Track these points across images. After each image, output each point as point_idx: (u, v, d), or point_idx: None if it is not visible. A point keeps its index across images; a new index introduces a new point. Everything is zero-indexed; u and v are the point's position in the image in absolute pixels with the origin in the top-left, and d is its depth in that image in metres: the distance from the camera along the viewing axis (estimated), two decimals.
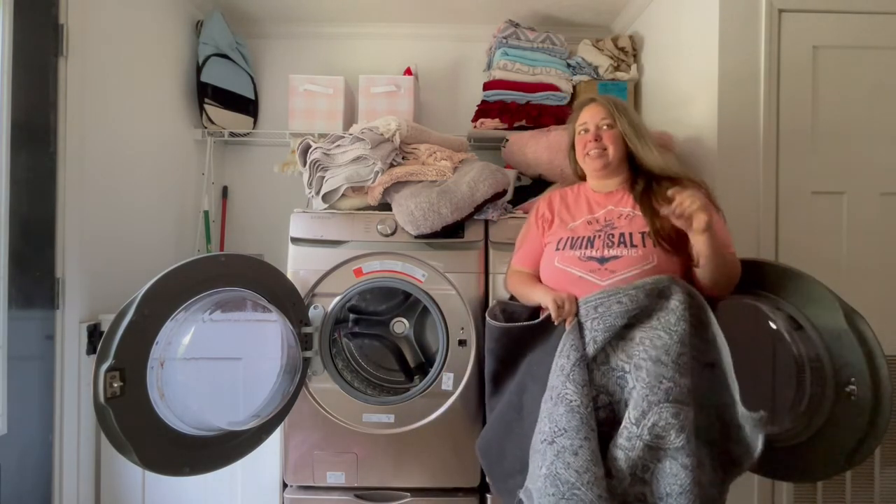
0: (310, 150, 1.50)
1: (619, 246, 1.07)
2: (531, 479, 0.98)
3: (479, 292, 1.47)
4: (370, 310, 1.67)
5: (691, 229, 0.98)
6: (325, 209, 1.51)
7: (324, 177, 1.48)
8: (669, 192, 0.99)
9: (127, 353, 0.97)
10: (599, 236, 1.11)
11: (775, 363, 1.25)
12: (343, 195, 1.50)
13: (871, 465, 1.41)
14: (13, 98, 1.23)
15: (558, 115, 1.94)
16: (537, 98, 1.96)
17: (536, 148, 1.68)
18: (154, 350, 1.02)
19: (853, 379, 1.01)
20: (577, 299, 1.06)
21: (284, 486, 1.47)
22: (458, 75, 2.25)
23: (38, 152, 1.31)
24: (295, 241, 1.48)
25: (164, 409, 1.04)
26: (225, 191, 2.21)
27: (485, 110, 1.97)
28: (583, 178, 1.30)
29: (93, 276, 1.44)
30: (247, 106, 2.12)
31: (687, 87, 1.63)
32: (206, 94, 1.98)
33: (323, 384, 1.45)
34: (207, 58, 1.97)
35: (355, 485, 1.45)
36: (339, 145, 1.48)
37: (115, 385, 0.95)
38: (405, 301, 1.64)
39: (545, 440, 0.95)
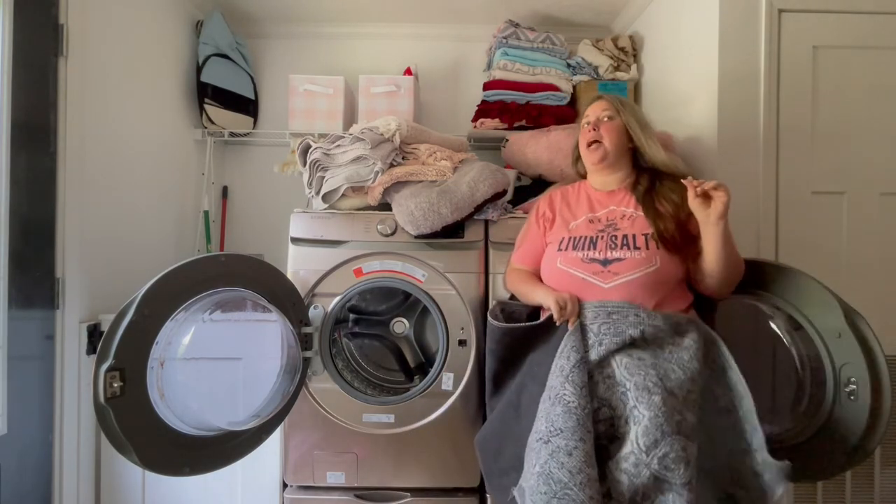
0: (310, 150, 1.50)
1: (622, 248, 1.07)
2: (524, 478, 0.98)
3: (479, 292, 1.47)
4: (370, 310, 1.67)
5: (707, 217, 0.98)
6: (325, 209, 1.51)
7: (324, 177, 1.48)
8: (686, 181, 1.00)
9: (127, 353, 0.97)
10: (602, 237, 1.10)
11: (775, 363, 1.25)
12: (343, 195, 1.50)
13: (871, 465, 1.41)
14: (13, 98, 1.23)
15: (558, 115, 1.94)
16: (537, 98, 1.96)
17: (536, 148, 1.68)
18: (154, 350, 1.02)
19: (853, 379, 1.01)
20: (579, 300, 1.06)
21: (284, 486, 1.47)
22: (458, 75, 2.25)
23: (38, 152, 1.31)
24: (295, 241, 1.48)
25: (164, 409, 1.04)
26: (225, 191, 2.21)
27: (485, 110, 1.97)
28: (584, 177, 1.29)
29: (93, 276, 1.44)
30: (247, 106, 2.12)
31: (687, 87, 1.63)
32: (206, 94, 1.98)
33: (323, 384, 1.45)
34: (207, 58, 1.97)
35: (355, 485, 1.45)
36: (339, 145, 1.49)
37: (115, 385, 0.95)
38: (405, 301, 1.64)
39: (540, 439, 0.95)
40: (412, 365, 1.64)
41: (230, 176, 2.23)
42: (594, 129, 1.18)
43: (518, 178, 1.84)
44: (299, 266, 1.47)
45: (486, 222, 1.51)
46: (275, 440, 1.38)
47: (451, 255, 1.47)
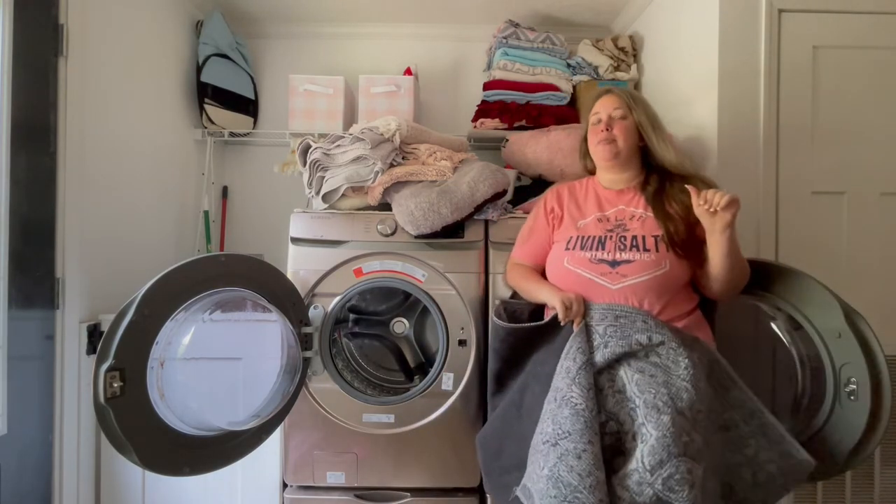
0: (310, 150, 1.50)
1: (631, 249, 1.06)
2: (530, 479, 0.97)
3: (479, 292, 1.47)
4: (370, 310, 1.67)
5: (713, 226, 0.97)
6: (325, 209, 1.51)
7: (324, 177, 1.48)
8: (694, 198, 0.98)
9: (127, 353, 0.97)
10: (611, 237, 1.09)
11: (775, 363, 1.26)
12: (343, 195, 1.50)
13: (871, 465, 1.41)
14: (13, 98, 1.23)
15: (558, 115, 1.94)
16: (537, 98, 1.96)
17: (536, 148, 1.68)
18: (154, 350, 1.02)
19: (853, 379, 1.01)
20: (584, 301, 1.05)
21: (284, 486, 1.47)
22: (458, 75, 2.25)
23: (38, 152, 1.30)
24: (295, 241, 1.48)
25: (164, 409, 1.04)
26: (225, 191, 2.21)
27: (485, 110, 1.97)
28: (592, 172, 1.27)
29: (93, 276, 1.44)
30: (247, 106, 2.12)
31: (687, 87, 1.63)
32: (206, 94, 1.98)
33: (323, 384, 1.45)
34: (207, 58, 1.97)
35: (355, 485, 1.45)
36: (339, 145, 1.49)
37: (115, 385, 0.94)
38: (405, 301, 1.64)
39: (548, 441, 0.94)
40: (412, 365, 1.64)
41: (230, 176, 2.23)
42: (607, 129, 1.15)
43: (518, 178, 1.84)
44: (299, 266, 1.47)
45: (486, 222, 1.51)
46: (275, 440, 1.38)
47: (451, 255, 1.47)
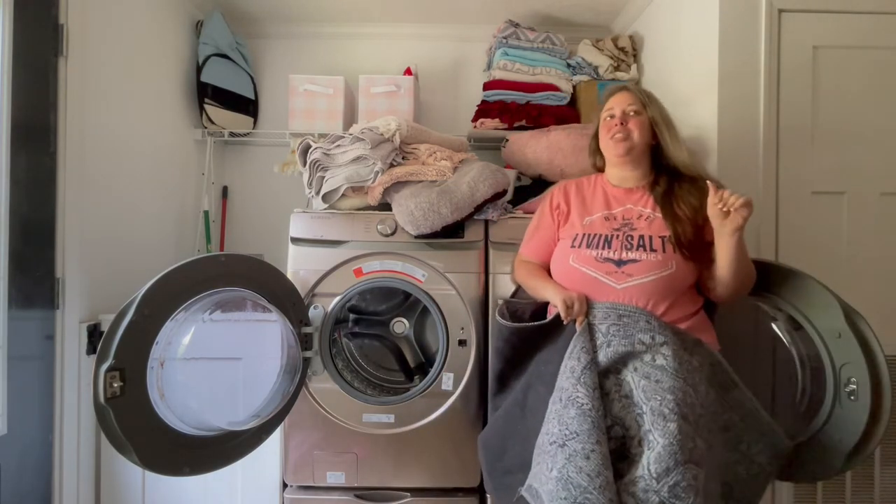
0: (310, 150, 1.50)
1: (637, 249, 1.05)
2: (538, 480, 0.97)
3: (479, 292, 1.47)
4: (370, 310, 1.67)
5: (723, 228, 0.97)
6: (325, 209, 1.51)
7: (324, 177, 1.48)
8: (709, 183, 0.98)
9: (127, 353, 0.97)
10: (617, 236, 1.08)
11: (775, 363, 1.26)
12: (343, 195, 1.50)
13: (871, 465, 1.41)
14: (13, 98, 1.23)
15: (558, 115, 1.94)
16: (537, 98, 1.96)
17: (536, 148, 1.68)
18: (154, 350, 1.02)
19: (853, 379, 1.01)
20: (588, 300, 1.05)
21: (284, 486, 1.48)
22: (458, 75, 2.25)
23: (38, 152, 1.30)
24: (295, 241, 1.48)
25: (164, 409, 1.04)
26: (225, 191, 2.21)
27: (485, 110, 1.97)
28: (601, 170, 1.26)
29: (93, 276, 1.44)
30: (247, 106, 2.12)
31: (687, 87, 1.63)
32: (206, 94, 1.98)
33: (323, 384, 1.45)
34: (207, 58, 1.97)
35: (355, 485, 1.45)
36: (339, 145, 1.49)
37: (115, 385, 0.95)
38: (405, 301, 1.64)
39: (555, 442, 0.94)
40: (412, 365, 1.64)
41: (230, 176, 2.23)
42: (622, 124, 1.14)
43: (518, 178, 1.84)
44: (299, 266, 1.47)
45: (486, 222, 1.51)
46: (275, 440, 1.38)
47: (451, 255, 1.47)
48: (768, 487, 1.41)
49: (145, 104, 1.74)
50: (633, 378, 0.96)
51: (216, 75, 2.00)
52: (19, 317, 1.26)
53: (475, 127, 1.97)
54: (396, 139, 1.48)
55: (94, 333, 1.41)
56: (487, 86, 2.00)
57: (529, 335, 1.12)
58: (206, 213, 2.03)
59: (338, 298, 1.46)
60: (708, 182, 1.01)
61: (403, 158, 1.53)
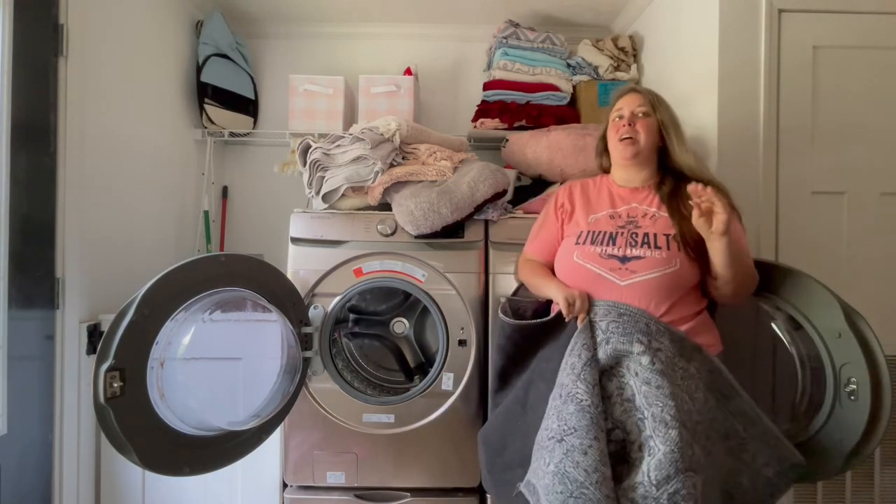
0: (310, 150, 1.50)
1: (642, 246, 1.05)
2: (535, 475, 0.98)
3: (479, 292, 1.47)
4: (370, 310, 1.67)
5: (708, 232, 0.97)
6: (325, 209, 1.51)
7: (324, 177, 1.48)
8: (689, 187, 0.97)
9: (127, 353, 0.97)
10: (622, 233, 1.08)
11: (775, 363, 1.26)
12: (343, 195, 1.50)
13: (871, 465, 1.41)
14: (13, 98, 1.23)
15: (558, 115, 1.94)
16: (537, 98, 1.96)
17: (536, 148, 1.68)
18: (154, 350, 1.03)
19: (853, 379, 1.01)
20: (589, 297, 1.05)
21: (284, 486, 1.48)
22: (458, 75, 2.25)
23: (38, 152, 1.30)
24: (295, 241, 1.48)
25: (164, 409, 1.04)
26: (225, 191, 2.21)
27: (485, 110, 1.97)
28: (607, 171, 1.27)
29: (93, 276, 1.44)
30: (247, 106, 2.12)
31: (687, 87, 1.63)
32: (206, 94, 1.98)
33: (323, 384, 1.45)
34: (207, 58, 1.97)
35: (355, 485, 1.45)
36: (339, 145, 1.49)
37: (115, 385, 0.95)
38: (405, 301, 1.64)
39: (553, 437, 0.94)
40: (412, 365, 1.64)
41: (230, 176, 2.23)
42: (630, 125, 1.14)
43: (518, 178, 1.84)
44: (299, 266, 1.47)
45: (486, 222, 1.51)
46: (275, 440, 1.38)
47: (451, 255, 1.47)
48: None
49: (145, 104, 1.74)
50: (635, 383, 0.96)
51: (216, 75, 2.00)
52: (19, 317, 1.26)
53: (475, 127, 1.98)
54: (396, 139, 1.48)
55: (94, 333, 1.41)
56: (487, 86, 2.00)
57: (532, 332, 1.12)
58: (206, 213, 2.03)
59: (338, 298, 1.46)
60: (690, 186, 0.98)
61: (403, 158, 1.53)
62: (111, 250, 1.53)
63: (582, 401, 0.93)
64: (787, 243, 1.43)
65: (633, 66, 1.98)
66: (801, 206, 1.43)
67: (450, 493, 1.46)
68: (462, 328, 1.45)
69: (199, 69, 1.97)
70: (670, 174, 1.15)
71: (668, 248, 1.04)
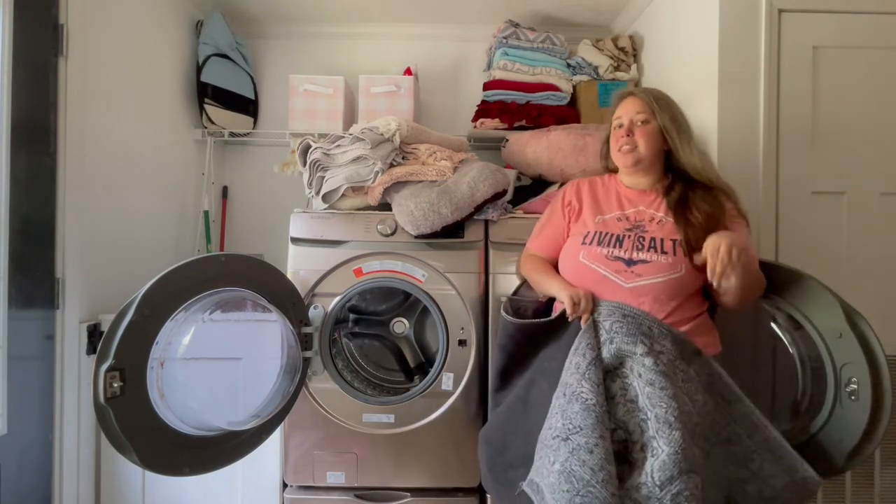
0: (310, 150, 1.50)
1: (648, 250, 1.05)
2: (539, 474, 0.97)
3: (479, 292, 1.47)
4: (370, 310, 1.67)
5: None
6: (325, 209, 1.51)
7: (324, 177, 1.48)
8: (702, 254, 0.96)
9: (127, 353, 0.97)
10: (629, 237, 1.08)
11: (775, 363, 1.26)
12: (343, 195, 1.50)
13: (871, 465, 1.41)
14: (13, 98, 1.22)
15: (558, 115, 1.94)
16: (537, 98, 1.96)
17: (536, 148, 1.68)
18: (154, 350, 1.03)
19: (854, 379, 1.01)
20: (594, 297, 1.05)
21: (284, 486, 1.47)
22: (458, 75, 2.25)
23: (38, 152, 1.30)
24: (295, 241, 1.48)
25: (164, 409, 1.04)
26: (225, 191, 2.21)
27: (485, 110, 1.97)
28: (614, 171, 1.26)
29: (93, 276, 1.44)
30: (247, 106, 2.12)
31: (687, 87, 1.62)
32: (206, 94, 1.98)
33: (323, 384, 1.45)
34: (207, 58, 1.97)
35: (355, 485, 1.45)
36: (339, 145, 1.49)
37: (115, 385, 0.95)
38: (405, 301, 1.64)
39: (558, 436, 0.94)
40: (412, 365, 1.64)
41: (230, 176, 2.23)
42: (629, 135, 1.12)
43: (518, 178, 1.84)
44: (299, 266, 1.47)
45: (486, 222, 1.51)
46: (275, 440, 1.38)
47: (451, 255, 1.47)
48: None
49: (145, 104, 1.74)
50: (638, 384, 0.96)
51: (216, 75, 2.00)
52: (19, 317, 1.25)
53: (475, 127, 1.98)
54: (396, 139, 1.48)
55: (94, 333, 1.41)
56: (487, 86, 2.00)
57: (534, 332, 1.12)
58: (206, 213, 2.03)
59: (338, 298, 1.46)
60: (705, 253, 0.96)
61: (403, 158, 1.53)
62: (111, 250, 1.53)
63: (587, 400, 0.93)
64: (787, 243, 1.43)
65: (633, 66, 1.98)
66: (801, 206, 1.43)
67: (450, 493, 1.46)
68: (462, 328, 1.45)
69: (199, 69, 1.97)
70: (679, 177, 1.14)
71: (675, 254, 1.04)
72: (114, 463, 1.45)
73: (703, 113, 1.51)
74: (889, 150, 1.44)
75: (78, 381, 1.38)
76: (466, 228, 1.47)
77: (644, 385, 0.95)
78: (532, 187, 1.78)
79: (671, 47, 1.76)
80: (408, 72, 2.07)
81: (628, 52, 1.99)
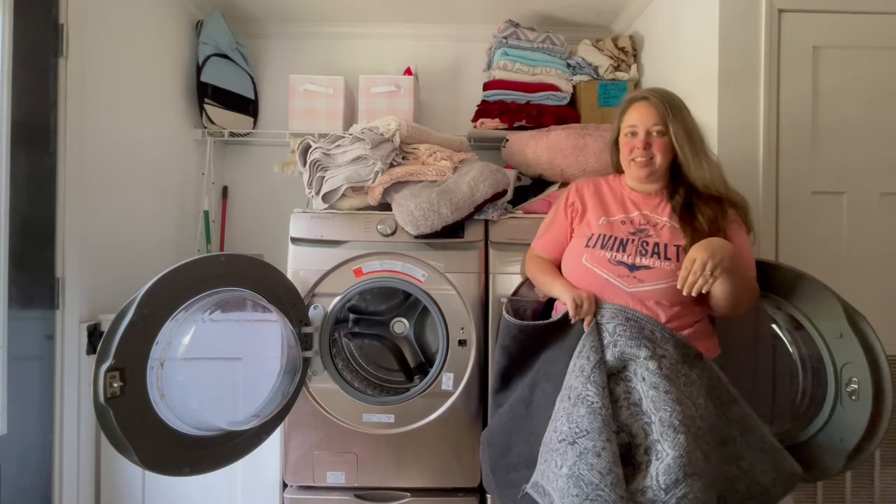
0: (310, 150, 1.50)
1: (651, 256, 1.05)
2: (545, 478, 0.97)
3: (479, 292, 1.47)
4: (370, 310, 1.67)
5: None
6: (325, 209, 1.51)
7: (324, 177, 1.48)
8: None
9: (127, 353, 0.97)
10: (633, 241, 1.08)
11: (776, 363, 1.25)
12: (343, 195, 1.50)
13: (871, 465, 1.41)
14: (13, 98, 1.22)
15: (558, 115, 1.94)
16: (537, 98, 1.96)
17: (536, 148, 1.68)
18: (154, 350, 1.03)
19: (854, 379, 1.01)
20: (596, 299, 1.05)
21: (284, 486, 1.48)
22: (458, 75, 2.25)
23: (38, 152, 1.30)
24: (295, 241, 1.48)
25: (164, 409, 1.04)
26: (225, 191, 2.21)
27: (485, 110, 1.97)
28: (620, 171, 1.24)
29: (93, 276, 1.44)
30: (247, 106, 2.12)
31: (687, 87, 1.62)
32: (206, 94, 1.98)
33: (323, 384, 1.45)
34: (207, 58, 1.97)
35: (355, 485, 1.45)
36: (339, 145, 1.48)
37: (115, 385, 0.95)
38: (405, 301, 1.64)
39: (564, 440, 0.94)
40: (412, 365, 1.64)
41: (230, 176, 2.23)
42: (645, 147, 1.09)
43: (518, 178, 1.84)
44: (299, 266, 1.47)
45: (486, 222, 1.51)
46: (275, 440, 1.38)
47: (451, 255, 1.47)
48: None
49: (145, 104, 1.74)
50: (642, 387, 0.96)
51: (216, 75, 2.00)
52: (19, 317, 1.25)
53: (475, 127, 1.98)
54: (396, 139, 1.48)
55: (94, 333, 1.41)
56: (487, 86, 2.00)
57: (537, 333, 1.12)
58: (206, 213, 2.03)
59: (338, 298, 1.46)
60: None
61: (403, 158, 1.53)
62: (111, 250, 1.53)
63: (593, 403, 0.93)
64: (787, 243, 1.43)
65: (633, 66, 1.98)
66: (801, 206, 1.43)
67: (450, 493, 1.46)
68: (462, 328, 1.45)
69: (199, 69, 1.97)
70: (685, 184, 1.12)
71: (677, 260, 1.03)
72: (114, 463, 1.45)
73: (703, 113, 1.51)
74: (889, 150, 1.44)
75: (78, 381, 1.38)
76: (466, 228, 1.47)
77: (648, 388, 0.95)
78: (532, 187, 1.78)
79: (671, 47, 1.76)
80: (408, 72, 2.07)
81: (628, 52, 1.99)
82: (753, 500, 0.99)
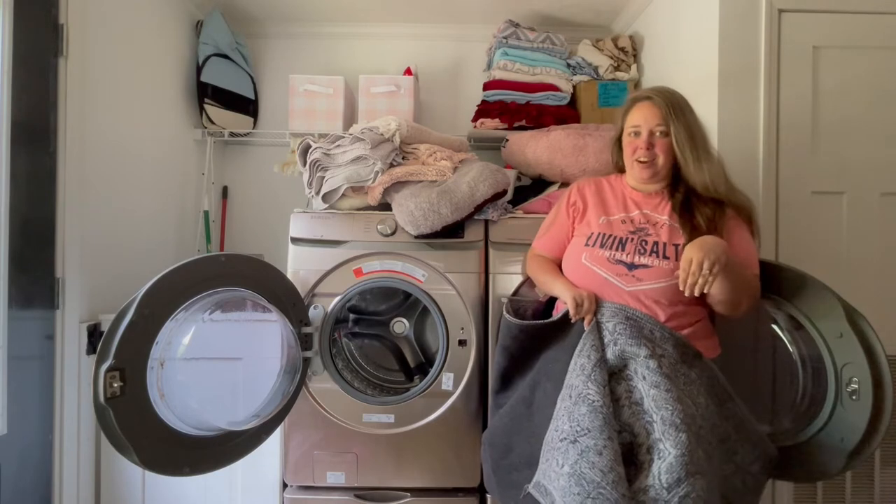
0: (310, 150, 1.50)
1: (650, 255, 1.05)
2: (547, 477, 0.97)
3: (479, 292, 1.47)
4: (370, 310, 1.67)
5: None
6: (325, 209, 1.51)
7: (324, 177, 1.48)
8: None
9: (127, 353, 0.97)
10: (632, 240, 1.08)
11: (776, 363, 1.25)
12: (343, 195, 1.50)
13: (871, 465, 1.41)
14: (13, 98, 1.22)
15: (558, 115, 1.94)
16: (537, 98, 1.96)
17: (536, 148, 1.68)
18: (154, 350, 1.03)
19: (855, 379, 1.01)
20: (596, 298, 1.05)
21: (284, 486, 1.48)
22: (458, 75, 2.25)
23: (38, 152, 1.30)
24: (295, 241, 1.48)
25: (164, 409, 1.04)
26: (225, 191, 2.21)
27: (485, 110, 1.97)
28: (621, 170, 1.24)
29: (93, 276, 1.44)
30: (247, 106, 2.12)
31: (687, 87, 1.61)
32: (206, 94, 1.98)
33: (323, 384, 1.45)
34: (207, 58, 1.97)
35: (355, 485, 1.45)
36: (339, 145, 1.49)
37: (115, 385, 0.95)
38: (405, 301, 1.64)
39: (566, 439, 0.94)
40: (412, 365, 1.64)
41: (230, 176, 2.23)
42: (648, 148, 1.09)
43: (518, 178, 1.84)
44: (299, 266, 1.47)
45: (486, 222, 1.51)
46: (275, 440, 1.38)
47: (451, 255, 1.47)
48: (768, 487, 1.42)
49: (145, 104, 1.74)
50: (643, 386, 0.96)
51: (216, 75, 2.00)
52: (19, 317, 1.25)
53: (475, 127, 1.98)
54: (396, 139, 1.48)
55: (94, 333, 1.41)
56: (487, 86, 1.99)
57: (538, 333, 1.12)
58: (206, 213, 2.03)
59: (338, 298, 1.46)
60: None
61: (403, 158, 1.53)
62: (111, 250, 1.53)
63: (594, 401, 0.93)
64: (787, 243, 1.43)
65: (633, 66, 1.98)
66: (801, 206, 1.43)
67: (450, 493, 1.46)
68: (462, 328, 1.45)
69: (199, 69, 1.97)
70: (684, 183, 1.12)
71: (676, 259, 1.03)
72: (114, 463, 1.45)
73: (703, 113, 1.49)
74: (889, 150, 1.44)
75: (78, 381, 1.38)
76: (466, 228, 1.47)
77: (649, 387, 0.95)
78: (532, 187, 1.78)
79: (671, 47, 1.76)
80: (408, 72, 2.07)
81: (628, 52, 1.99)
82: (749, 490, 1.01)
